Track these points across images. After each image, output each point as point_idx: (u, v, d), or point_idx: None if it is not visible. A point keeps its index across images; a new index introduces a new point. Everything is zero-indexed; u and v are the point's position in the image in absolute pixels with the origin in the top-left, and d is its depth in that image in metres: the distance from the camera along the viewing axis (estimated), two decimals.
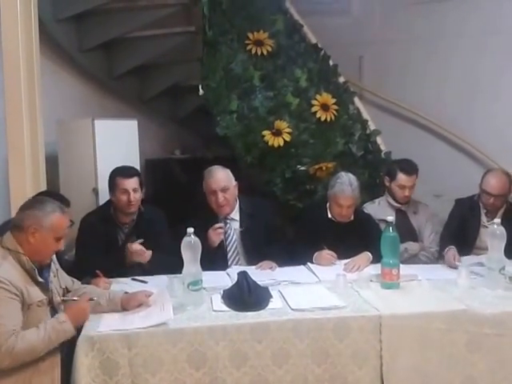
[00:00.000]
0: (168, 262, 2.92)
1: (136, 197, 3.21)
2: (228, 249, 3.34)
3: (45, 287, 2.27)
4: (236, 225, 3.40)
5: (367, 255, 3.20)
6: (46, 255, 2.31)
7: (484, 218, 3.51)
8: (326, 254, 3.25)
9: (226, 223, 3.38)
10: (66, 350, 2.22)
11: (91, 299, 2.37)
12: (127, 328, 2.27)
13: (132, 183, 3.22)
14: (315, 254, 3.26)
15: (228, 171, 3.41)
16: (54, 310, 2.31)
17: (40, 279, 2.25)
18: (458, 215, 3.61)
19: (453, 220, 3.62)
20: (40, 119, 3.52)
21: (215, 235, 3.21)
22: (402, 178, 3.55)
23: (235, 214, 3.42)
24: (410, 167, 3.58)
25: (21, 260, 2.21)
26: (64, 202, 2.88)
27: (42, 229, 2.24)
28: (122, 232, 3.27)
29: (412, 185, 3.57)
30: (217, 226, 3.24)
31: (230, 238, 3.37)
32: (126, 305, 2.46)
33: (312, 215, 3.55)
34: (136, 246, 3.08)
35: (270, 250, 3.30)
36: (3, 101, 3.40)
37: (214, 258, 3.14)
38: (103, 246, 3.14)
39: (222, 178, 3.33)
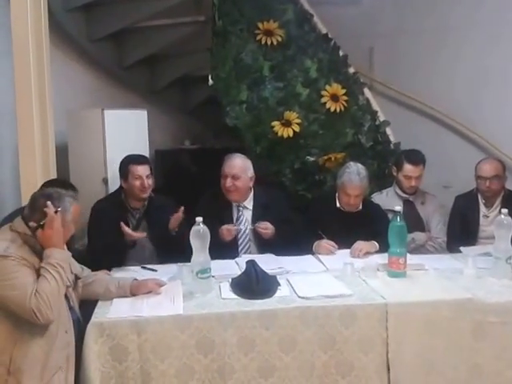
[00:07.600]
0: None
1: (149, 182, 3.31)
2: (239, 235, 3.37)
3: None
4: (248, 213, 3.44)
5: (373, 243, 3.22)
6: (65, 241, 2.31)
7: (483, 208, 3.57)
8: (325, 243, 3.26)
9: (238, 210, 3.43)
10: (76, 336, 2.24)
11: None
12: (136, 315, 2.29)
13: (145, 169, 3.32)
14: (315, 244, 3.28)
15: (247, 162, 3.45)
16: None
17: None
18: (457, 211, 3.68)
19: (454, 217, 3.68)
20: (50, 109, 3.54)
21: (228, 234, 3.24)
22: (408, 168, 3.56)
23: (249, 203, 3.46)
24: (416, 157, 3.59)
25: (30, 242, 2.20)
26: (72, 189, 2.92)
27: (66, 223, 2.25)
28: (133, 217, 3.34)
29: (418, 175, 3.57)
30: (232, 227, 3.28)
31: (241, 225, 3.40)
32: (136, 290, 2.50)
33: (320, 205, 3.56)
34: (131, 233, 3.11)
35: (278, 238, 3.31)
36: (13, 91, 3.43)
37: (225, 246, 3.19)
38: (115, 230, 3.15)
39: (236, 165, 3.38)
